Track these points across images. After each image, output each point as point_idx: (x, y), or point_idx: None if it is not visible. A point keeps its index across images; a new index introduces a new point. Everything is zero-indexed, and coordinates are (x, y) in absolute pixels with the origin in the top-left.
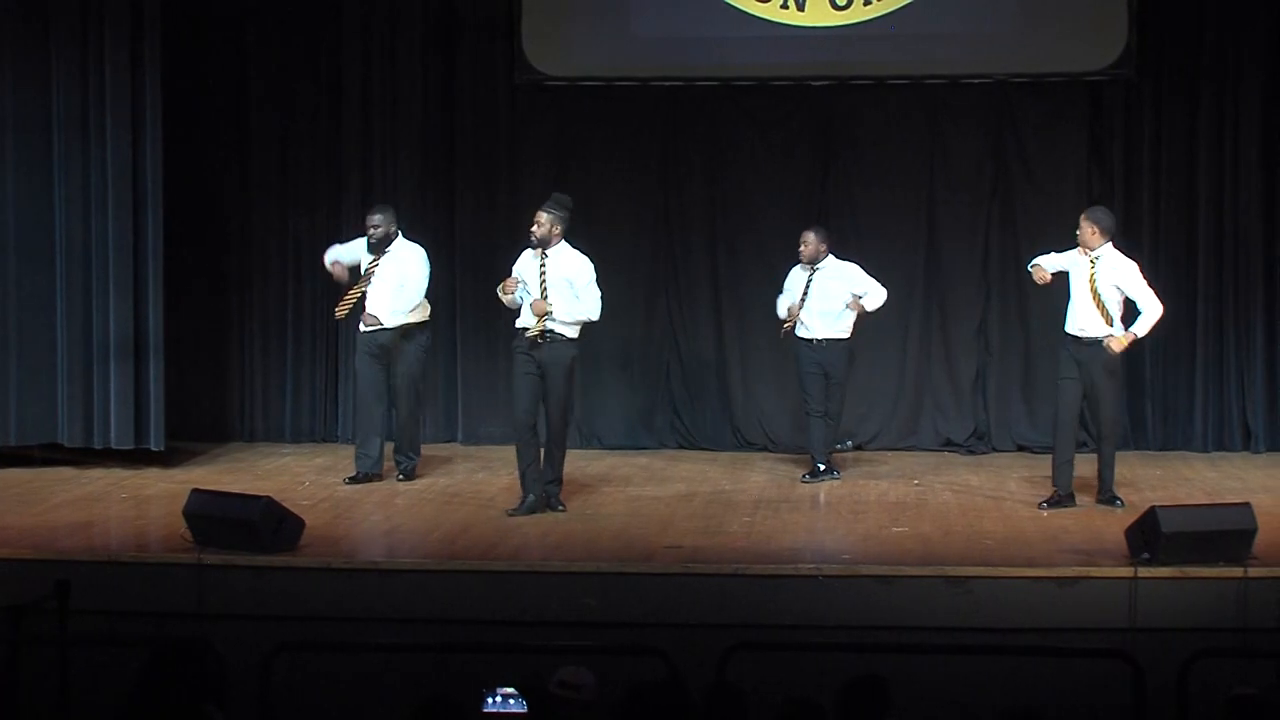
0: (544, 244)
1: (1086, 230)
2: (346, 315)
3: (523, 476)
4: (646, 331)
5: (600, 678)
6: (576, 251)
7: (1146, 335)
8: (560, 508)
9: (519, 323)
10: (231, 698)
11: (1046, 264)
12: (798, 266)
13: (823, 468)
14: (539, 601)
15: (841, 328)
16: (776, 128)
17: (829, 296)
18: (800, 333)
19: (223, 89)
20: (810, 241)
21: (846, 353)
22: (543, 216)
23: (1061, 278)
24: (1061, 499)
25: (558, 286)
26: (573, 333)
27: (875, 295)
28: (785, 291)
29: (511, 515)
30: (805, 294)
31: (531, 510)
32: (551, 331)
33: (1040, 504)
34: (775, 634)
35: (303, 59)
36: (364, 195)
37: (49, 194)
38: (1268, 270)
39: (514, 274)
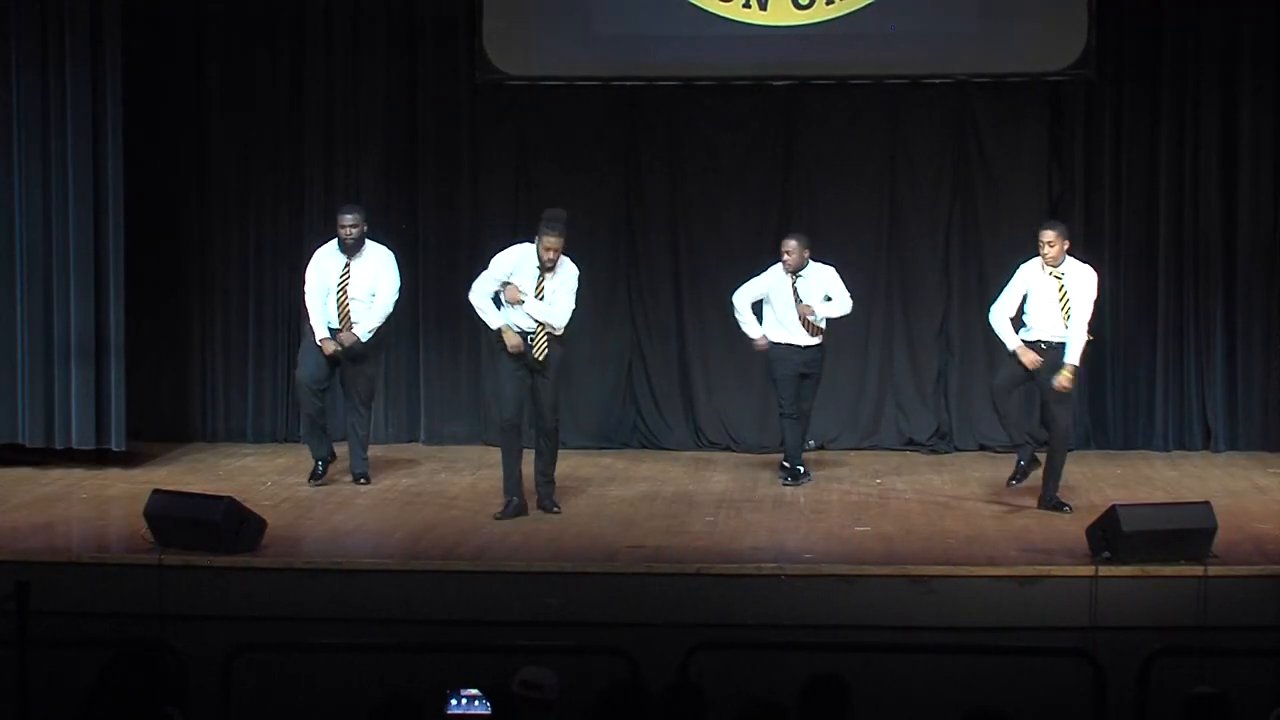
0: (554, 266)
1: (1059, 245)
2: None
3: (507, 480)
4: (608, 331)
5: (562, 678)
6: (568, 260)
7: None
8: (555, 509)
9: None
10: (192, 699)
11: (1009, 317)
12: (777, 268)
13: (802, 470)
14: (502, 601)
15: (820, 329)
16: (738, 127)
17: (810, 301)
18: (782, 338)
19: (183, 89)
20: (794, 250)
21: (823, 352)
22: (556, 241)
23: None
24: (1025, 468)
25: (552, 299)
26: (562, 331)
27: (841, 303)
28: (754, 288)
29: (499, 519)
30: (798, 304)
31: (517, 513)
32: (550, 334)
33: (1009, 480)
34: (737, 633)
35: (263, 59)
36: (326, 195)
37: (10, 195)
38: (1227, 270)
39: (506, 275)
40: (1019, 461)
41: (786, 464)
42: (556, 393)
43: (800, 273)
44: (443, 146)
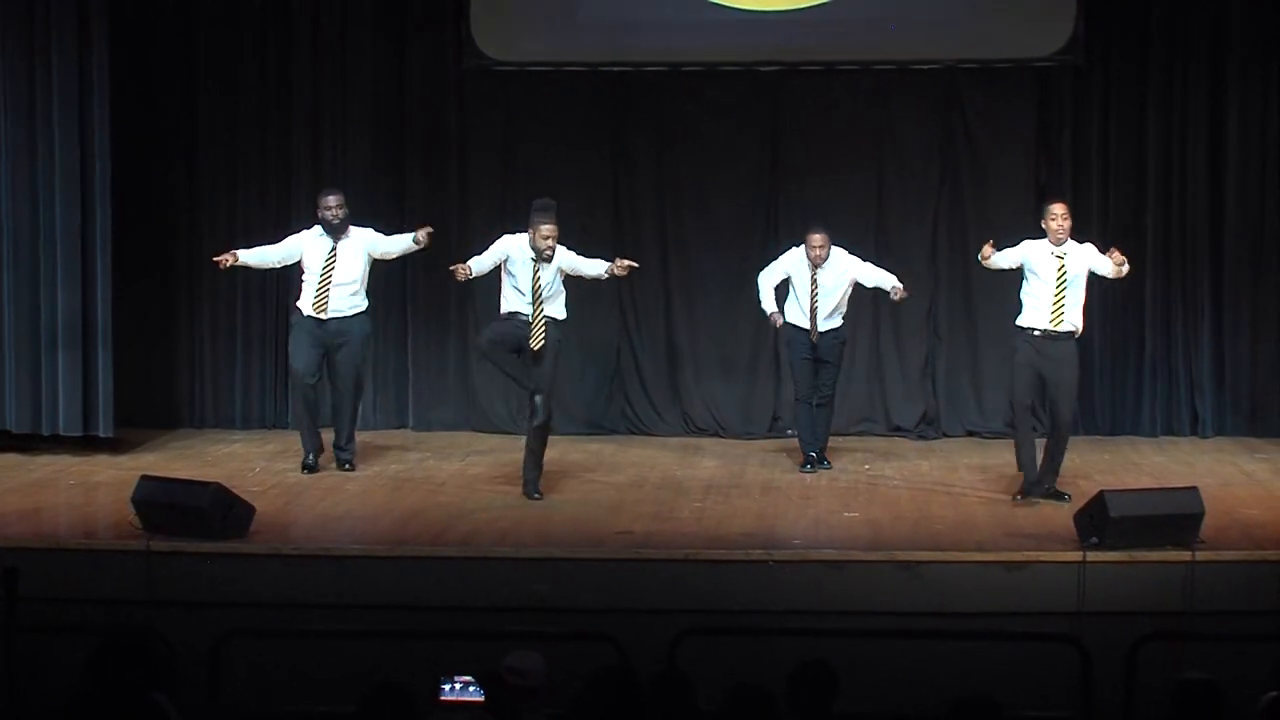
0: (552, 255)
1: (1065, 223)
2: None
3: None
4: (596, 317)
5: (550, 663)
6: (560, 246)
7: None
8: (536, 495)
9: (506, 308)
10: (180, 685)
11: (997, 258)
12: (797, 252)
13: (815, 456)
14: (490, 587)
15: (840, 317)
16: (725, 113)
17: (830, 291)
18: (797, 321)
19: (171, 74)
20: (821, 244)
21: (839, 339)
22: (552, 229)
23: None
24: (1032, 486)
25: (551, 284)
26: (563, 314)
27: (884, 274)
28: (777, 269)
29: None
30: (815, 294)
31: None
32: (549, 318)
33: (1014, 495)
34: (725, 619)
35: (251, 43)
36: (314, 181)
37: None
38: (1215, 255)
39: (499, 253)
40: (1027, 479)
41: (813, 453)
42: (553, 377)
43: (821, 264)
44: (430, 132)
